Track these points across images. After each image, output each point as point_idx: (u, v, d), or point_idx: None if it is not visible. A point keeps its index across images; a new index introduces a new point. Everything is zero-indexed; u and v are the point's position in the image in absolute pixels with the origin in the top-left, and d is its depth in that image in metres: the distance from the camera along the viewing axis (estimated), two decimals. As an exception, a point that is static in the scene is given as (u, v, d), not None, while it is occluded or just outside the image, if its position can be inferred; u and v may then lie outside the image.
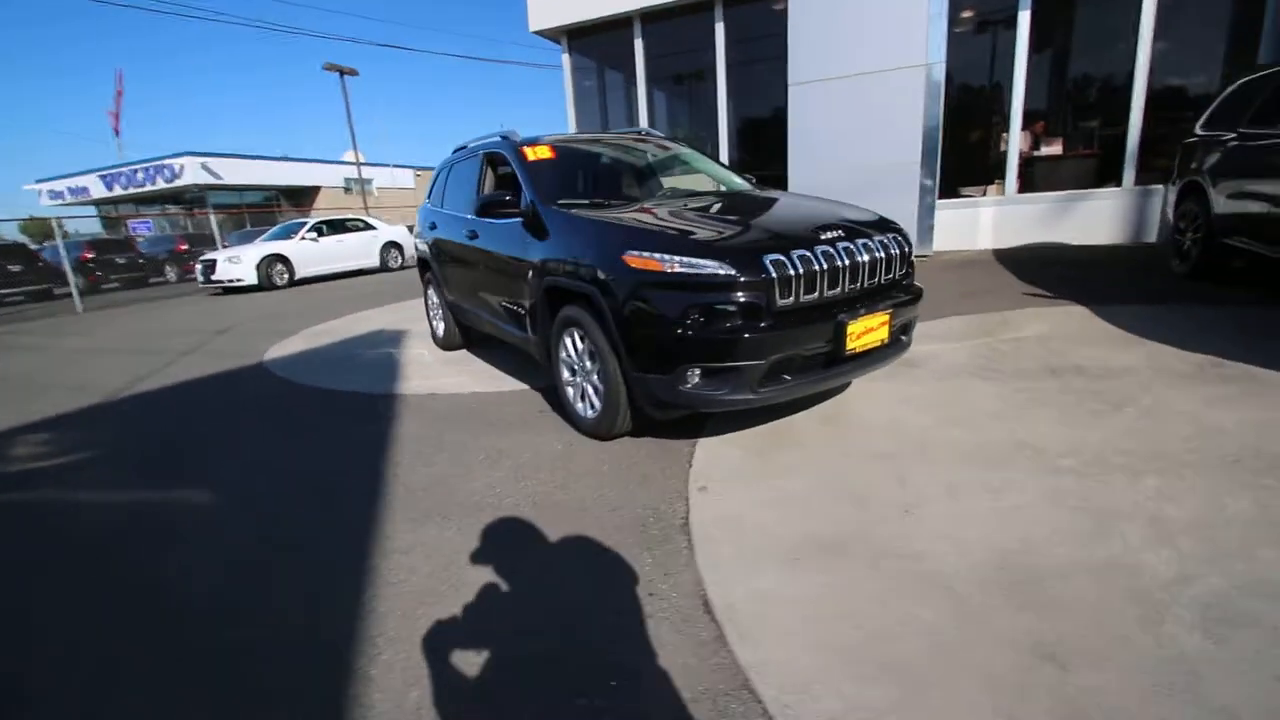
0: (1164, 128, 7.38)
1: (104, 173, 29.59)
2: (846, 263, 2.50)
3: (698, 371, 2.42)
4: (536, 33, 9.61)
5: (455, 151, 4.84)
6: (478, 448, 3.02)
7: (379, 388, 4.23)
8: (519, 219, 3.31)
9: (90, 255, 15.44)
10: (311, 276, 12.64)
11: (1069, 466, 2.35)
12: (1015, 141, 7.93)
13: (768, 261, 2.35)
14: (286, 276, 12.12)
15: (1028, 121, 7.88)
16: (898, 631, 1.57)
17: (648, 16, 9.19)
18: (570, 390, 3.10)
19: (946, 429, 2.77)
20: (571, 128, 10.07)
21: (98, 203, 30.88)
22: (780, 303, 2.38)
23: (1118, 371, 3.28)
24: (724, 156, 9.23)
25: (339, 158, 34.48)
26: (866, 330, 2.55)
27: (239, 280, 11.57)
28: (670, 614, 1.70)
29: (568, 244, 2.92)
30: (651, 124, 9.66)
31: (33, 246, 17.24)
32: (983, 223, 8.09)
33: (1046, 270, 6.12)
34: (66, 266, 11.59)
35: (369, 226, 13.91)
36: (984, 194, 8.21)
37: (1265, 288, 4.69)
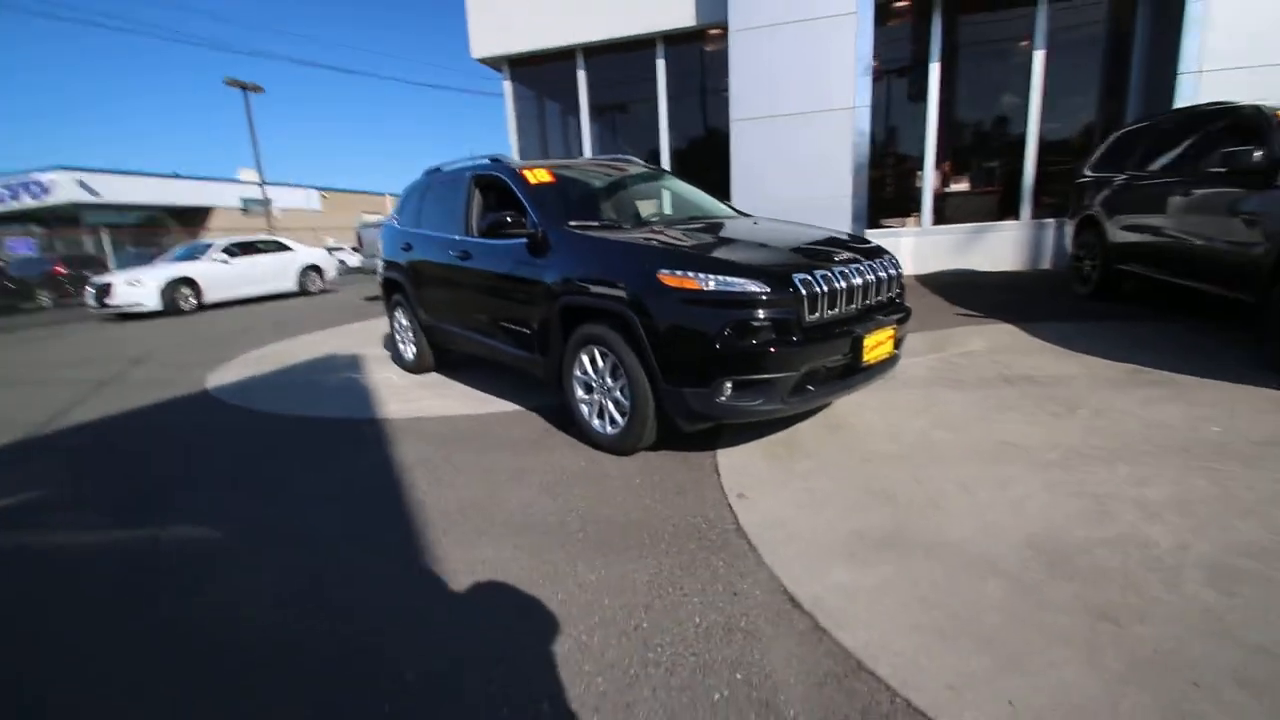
0: (1051, 169, 8.47)
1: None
2: (859, 282, 2.74)
3: (732, 384, 2.55)
4: (479, 60, 9.62)
5: (429, 173, 4.78)
6: (494, 468, 2.98)
7: (356, 413, 4.05)
8: (523, 240, 3.34)
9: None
10: (222, 301, 11.74)
11: (1053, 460, 2.66)
12: (929, 178, 8.78)
13: (798, 280, 2.54)
14: (194, 301, 11.19)
15: (938, 161, 8.77)
16: (972, 608, 1.74)
17: (590, 50, 9.45)
18: (585, 408, 3.14)
19: (938, 433, 3.05)
20: (514, 153, 10.09)
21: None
22: (809, 318, 2.57)
23: (1062, 379, 3.73)
24: (666, 185, 9.57)
25: (235, 176, 32.37)
26: (878, 344, 2.79)
27: (139, 305, 10.56)
28: (761, 610, 1.79)
29: (588, 263, 2.98)
30: (594, 152, 9.88)
31: None
32: (904, 251, 8.83)
33: (968, 293, 6.79)
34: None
35: (285, 248, 13.14)
36: (904, 225, 8.99)
37: (1152, 305, 5.47)
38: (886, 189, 8.99)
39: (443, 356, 4.82)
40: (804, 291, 2.54)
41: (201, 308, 11.33)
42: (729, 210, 4.06)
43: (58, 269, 16.18)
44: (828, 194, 8.07)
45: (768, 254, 2.80)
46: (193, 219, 28.98)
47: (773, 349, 2.49)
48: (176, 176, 28.94)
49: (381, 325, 7.63)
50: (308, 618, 1.91)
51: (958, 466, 2.65)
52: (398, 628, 1.82)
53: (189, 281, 11.10)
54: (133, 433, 4.09)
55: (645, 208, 3.90)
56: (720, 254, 2.71)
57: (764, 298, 2.49)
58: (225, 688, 1.64)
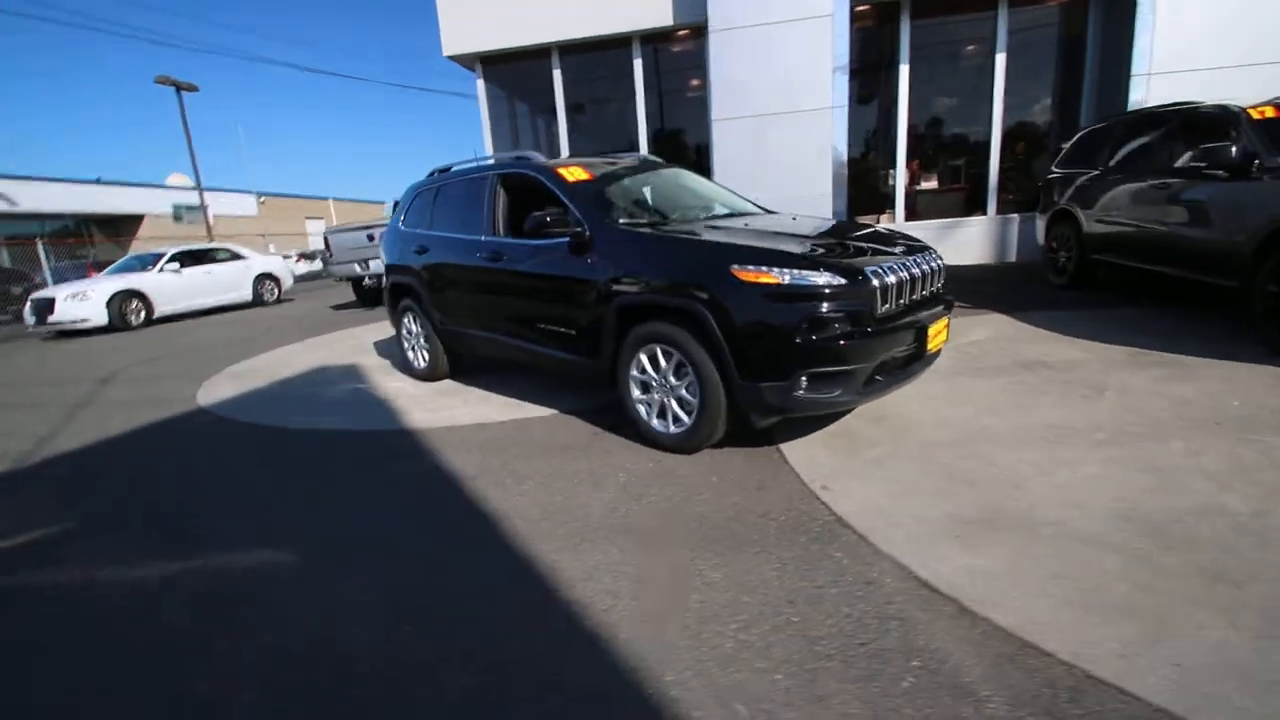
0: (1011, 168, 8.93)
1: None
2: (918, 273, 2.82)
3: (808, 377, 2.58)
4: (451, 57, 9.39)
5: (437, 173, 4.65)
6: (559, 473, 2.92)
7: (379, 424, 3.89)
8: (564, 239, 3.29)
9: None
10: (173, 314, 11.04)
11: (1103, 439, 2.80)
12: (900, 177, 9.10)
13: (869, 272, 2.59)
14: (144, 314, 10.48)
15: (907, 160, 9.10)
16: (1098, 581, 1.81)
17: (566, 48, 9.36)
18: (643, 408, 3.11)
19: (985, 419, 3.16)
20: (488, 152, 9.88)
21: None
22: (881, 309, 2.62)
23: (1074, 364, 3.93)
24: (646, 185, 9.58)
25: (164, 182, 30.58)
26: (937, 333, 2.87)
27: (84, 321, 9.81)
28: (904, 597, 1.82)
29: (649, 261, 2.95)
30: (572, 152, 9.79)
31: None
32: (879, 246, 9.12)
33: (951, 286, 7.05)
34: None
35: (238, 256, 12.47)
36: (878, 222, 9.29)
37: (1125, 292, 5.83)
38: (861, 187, 9.26)
39: (457, 363, 4.68)
40: (875, 283, 2.59)
41: (150, 322, 10.62)
42: (755, 206, 4.10)
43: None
44: (809, 192, 8.25)
45: (831, 247, 2.84)
46: (121, 227, 27.13)
47: (849, 341, 2.54)
48: (99, 182, 27.05)
49: (366, 334, 7.35)
50: (439, 641, 1.81)
51: (1019, 450, 2.76)
52: (551, 643, 1.75)
53: (137, 294, 10.38)
54: (139, 456, 3.80)
55: (678, 203, 3.88)
56: (787, 248, 2.73)
57: (841, 290, 2.53)
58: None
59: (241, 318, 10.86)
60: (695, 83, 9.62)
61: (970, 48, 8.80)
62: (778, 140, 8.28)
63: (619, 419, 3.49)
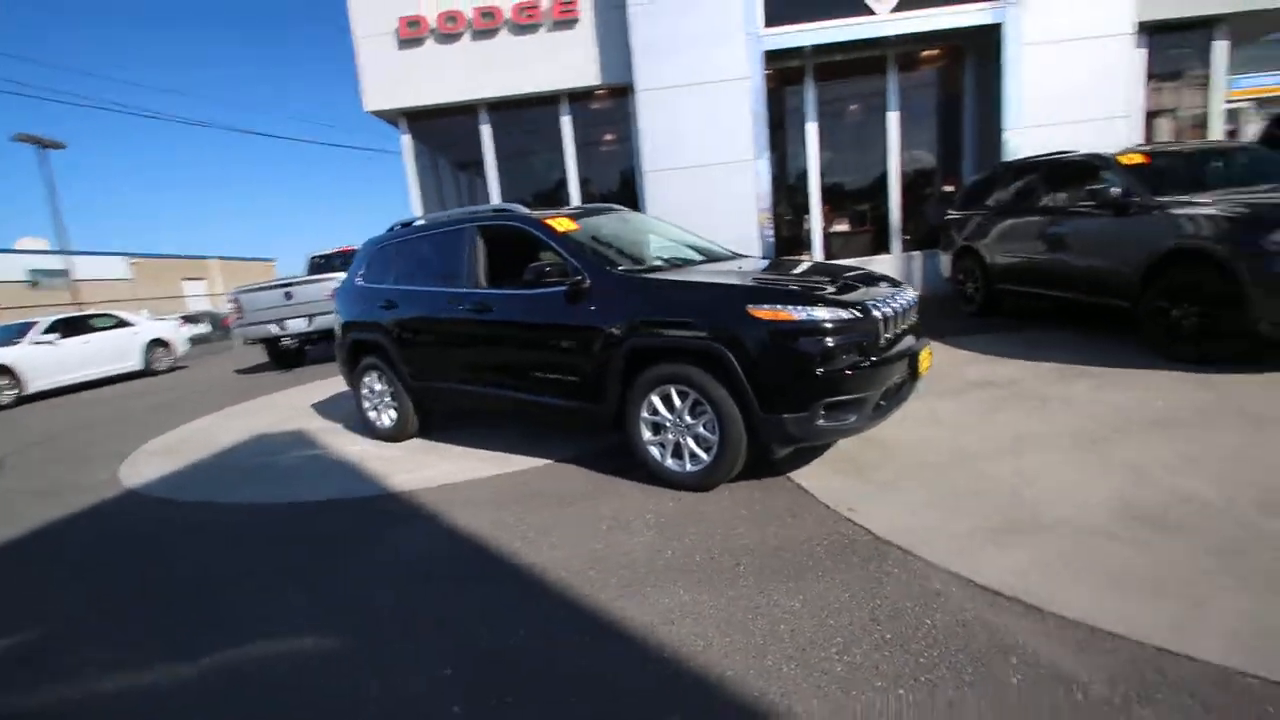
0: (910, 212, 9.91)
1: None
2: (902, 306, 3.09)
3: (825, 407, 2.73)
4: (373, 113, 9.23)
5: (399, 227, 4.55)
6: (582, 521, 2.87)
7: (359, 490, 3.64)
8: (561, 288, 3.32)
9: None
10: (49, 389, 9.76)
11: (1068, 445, 3.14)
12: (817, 220, 9.85)
13: (870, 305, 2.82)
14: (14, 392, 9.19)
15: (823, 205, 9.88)
16: (1125, 567, 2.03)
17: (494, 105, 9.49)
18: (655, 449, 3.14)
19: (961, 436, 3.45)
20: (415, 208, 9.71)
21: None
22: (884, 339, 2.84)
23: (1013, 380, 4.37)
24: (579, 234, 9.74)
25: (12, 246, 27.39)
26: (925, 359, 3.14)
27: (-65, 405, 8.46)
28: (972, 603, 1.94)
29: (661, 305, 3.03)
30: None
31: None
32: (803, 285, 9.74)
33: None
34: None
35: (124, 323, 11.30)
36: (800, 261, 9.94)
37: (1028, 317, 6.56)
38: (781, 231, 9.90)
39: (425, 421, 4.49)
40: (878, 315, 2.82)
41: (22, 400, 9.33)
42: (724, 251, 4.32)
43: None
44: (738, 236, 8.68)
45: (833, 284, 3.05)
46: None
47: (862, 370, 2.73)
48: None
49: (296, 398, 6.87)
50: (554, 715, 1.71)
51: (1004, 461, 3.03)
52: (667, 695, 1.70)
53: (4, 370, 9.11)
54: (75, 548, 3.31)
55: (654, 247, 4.01)
56: (794, 287, 2.91)
57: (850, 324, 2.73)
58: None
59: (133, 390, 9.78)
60: (610, 137, 10.01)
61: (867, 106, 9.79)
62: (707, 189, 8.75)
63: (620, 463, 3.49)
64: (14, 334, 9.84)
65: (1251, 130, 12.58)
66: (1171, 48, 9.40)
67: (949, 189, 9.89)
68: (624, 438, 3.24)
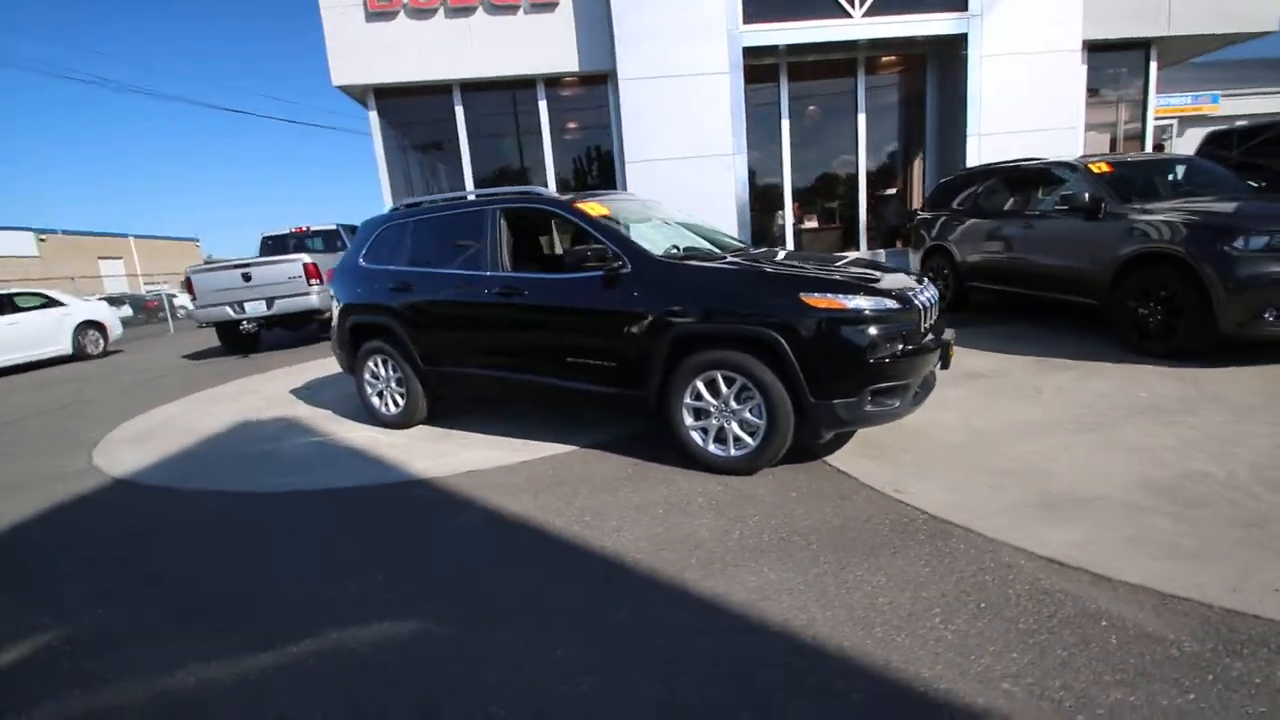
0: (874, 210, 10.31)
1: None
2: (933, 299, 3.24)
3: (872, 392, 2.85)
4: (340, 87, 8.79)
5: (404, 207, 4.39)
6: (638, 505, 2.88)
7: (384, 477, 3.52)
8: (598, 273, 3.30)
9: None
10: (-37, 375, 8.87)
11: (1074, 429, 3.38)
12: (789, 216, 10.10)
13: (911, 294, 2.95)
14: (-78, 378, 8.29)
15: (793, 202, 10.14)
16: (1167, 537, 2.23)
17: (469, 85, 9.22)
18: (697, 434, 3.18)
19: (973, 420, 3.65)
20: (385, 189, 9.34)
21: None
22: (923, 328, 2.98)
23: (1002, 372, 4.66)
24: (555, 222, 9.63)
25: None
26: (952, 347, 3.30)
27: None
28: (1044, 574, 2.08)
29: (711, 292, 3.07)
30: (476, 187, 9.56)
31: None
32: (775, 279, 9.98)
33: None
34: None
35: (55, 303, 10.37)
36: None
37: (996, 312, 6.97)
38: (754, 226, 10.11)
39: (433, 407, 4.37)
40: (919, 305, 2.95)
41: (-69, 386, 8.43)
42: (734, 239, 4.38)
43: None
44: (719, 227, 8.84)
45: (871, 274, 3.16)
46: None
47: (906, 357, 2.86)
48: None
49: (268, 384, 6.52)
50: (712, 702, 1.72)
51: (1019, 444, 3.24)
52: (801, 668, 1.75)
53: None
54: (93, 541, 3.05)
55: (673, 236, 4.03)
56: (841, 277, 3.01)
57: (897, 313, 2.86)
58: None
59: (70, 374, 9.00)
60: (588, 124, 9.92)
61: (837, 106, 10.09)
62: (686, 181, 8.81)
63: (648, 449, 3.52)
64: (-78, 314, 8.87)
65: (1183, 145, 13.68)
66: (1108, 66, 10.13)
67: (891, 191, 10.38)
68: (651, 424, 3.26)
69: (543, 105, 9.44)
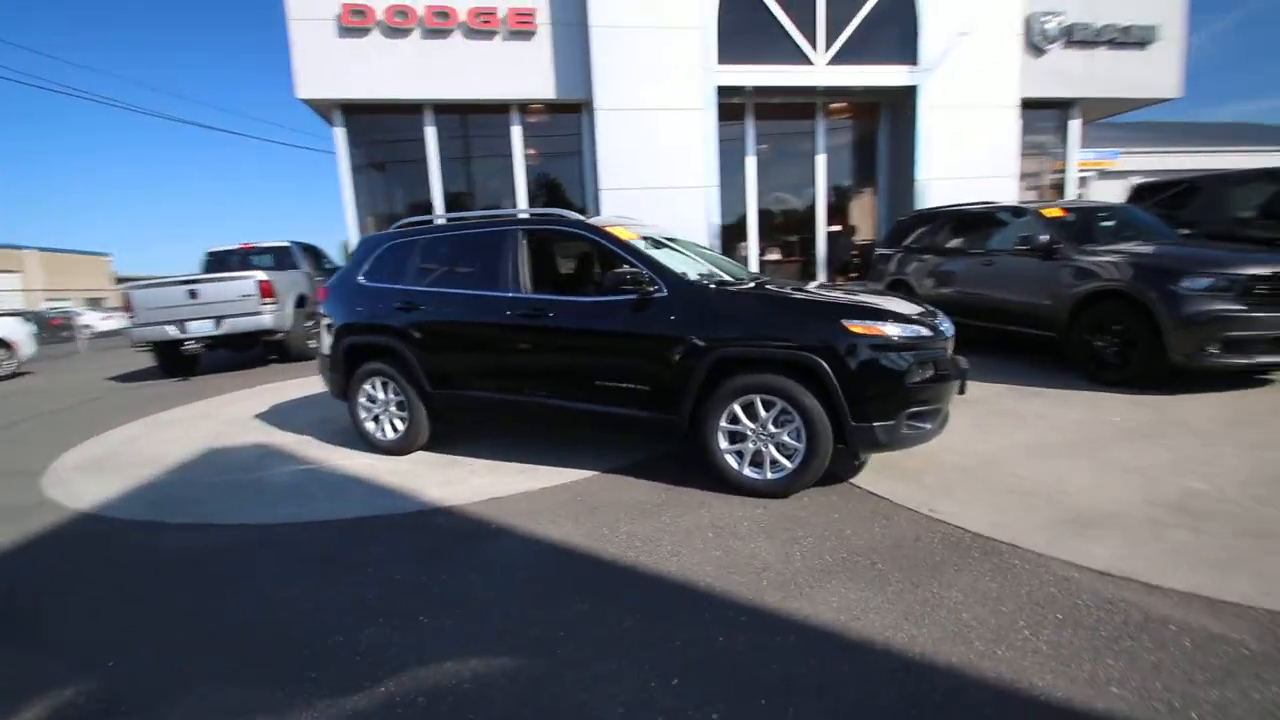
0: (832, 245, 10.83)
1: None
2: (952, 329, 3.44)
3: (909, 415, 2.98)
4: (305, 100, 8.49)
5: (410, 225, 4.27)
6: (684, 530, 2.86)
7: (395, 507, 3.34)
8: (629, 296, 3.32)
9: None
10: None
11: (1070, 451, 3.63)
12: (754, 248, 10.45)
13: (938, 323, 3.12)
14: None
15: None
16: (1192, 549, 2.43)
17: (441, 107, 9.12)
18: (732, 458, 3.21)
19: (974, 445, 3.86)
20: (348, 207, 9.02)
21: None
22: (950, 355, 3.16)
23: (983, 400, 4.95)
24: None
25: None
26: (968, 375, 3.50)
27: None
28: (1101, 585, 2.22)
29: (754, 318, 3.14)
30: (447, 209, 9.39)
31: None
32: (739, 308, 10.26)
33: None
34: None
35: (-48, 318, 9.32)
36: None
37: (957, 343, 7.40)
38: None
39: (435, 432, 4.20)
40: (946, 332, 3.13)
41: None
42: (754, 272, 4.50)
43: None
44: (688, 259, 9.04)
45: (898, 305, 3.32)
46: None
47: (938, 382, 3.02)
48: None
49: (228, 408, 6.09)
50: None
51: (1027, 466, 3.45)
52: (910, 682, 1.78)
53: None
54: (88, 584, 2.71)
55: (693, 265, 4.10)
56: (877, 305, 3.15)
57: (930, 340, 3.02)
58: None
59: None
60: (546, 150, 9.99)
61: (798, 147, 10.61)
62: (657, 210, 8.94)
63: (674, 474, 3.52)
64: None
65: (1105, 193, 15.06)
66: (1037, 122, 11.15)
67: (837, 228, 10.95)
68: (666, 448, 3.26)
69: (516, 130, 9.45)
